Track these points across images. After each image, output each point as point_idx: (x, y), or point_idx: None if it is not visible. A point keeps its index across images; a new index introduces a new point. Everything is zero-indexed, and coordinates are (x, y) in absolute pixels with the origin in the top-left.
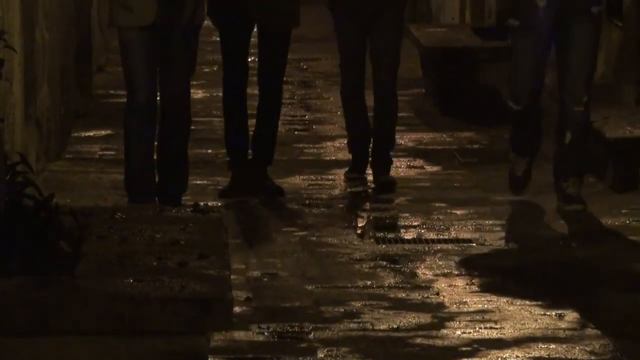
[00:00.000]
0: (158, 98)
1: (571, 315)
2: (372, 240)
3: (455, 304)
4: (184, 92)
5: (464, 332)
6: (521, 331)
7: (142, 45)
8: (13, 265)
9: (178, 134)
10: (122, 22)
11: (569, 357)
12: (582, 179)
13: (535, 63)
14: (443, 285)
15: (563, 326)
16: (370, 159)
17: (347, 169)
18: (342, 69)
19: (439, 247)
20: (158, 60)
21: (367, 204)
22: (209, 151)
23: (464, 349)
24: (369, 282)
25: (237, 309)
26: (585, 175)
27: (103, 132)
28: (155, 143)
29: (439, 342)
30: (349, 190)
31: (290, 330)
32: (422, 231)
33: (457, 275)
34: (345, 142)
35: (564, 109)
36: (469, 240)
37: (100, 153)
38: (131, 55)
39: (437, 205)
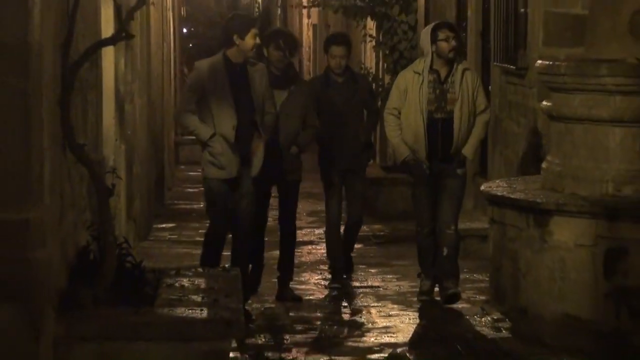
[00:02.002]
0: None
1: (436, 325)
2: (324, 287)
3: (370, 322)
4: (251, 222)
5: (375, 339)
6: (408, 337)
7: (223, 191)
8: (120, 301)
9: (243, 248)
10: (211, 175)
11: (433, 353)
12: (457, 279)
13: (429, 201)
14: (363, 312)
15: (431, 333)
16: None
17: (329, 281)
18: (327, 209)
19: (360, 290)
20: (230, 200)
21: (320, 266)
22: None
23: (375, 348)
24: (323, 311)
25: None
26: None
27: (170, 225)
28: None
29: (361, 344)
30: (332, 293)
31: (277, 338)
32: (351, 282)
33: (372, 306)
34: (312, 245)
35: (440, 232)
36: (378, 287)
37: (169, 237)
38: (214, 198)
39: (360, 266)
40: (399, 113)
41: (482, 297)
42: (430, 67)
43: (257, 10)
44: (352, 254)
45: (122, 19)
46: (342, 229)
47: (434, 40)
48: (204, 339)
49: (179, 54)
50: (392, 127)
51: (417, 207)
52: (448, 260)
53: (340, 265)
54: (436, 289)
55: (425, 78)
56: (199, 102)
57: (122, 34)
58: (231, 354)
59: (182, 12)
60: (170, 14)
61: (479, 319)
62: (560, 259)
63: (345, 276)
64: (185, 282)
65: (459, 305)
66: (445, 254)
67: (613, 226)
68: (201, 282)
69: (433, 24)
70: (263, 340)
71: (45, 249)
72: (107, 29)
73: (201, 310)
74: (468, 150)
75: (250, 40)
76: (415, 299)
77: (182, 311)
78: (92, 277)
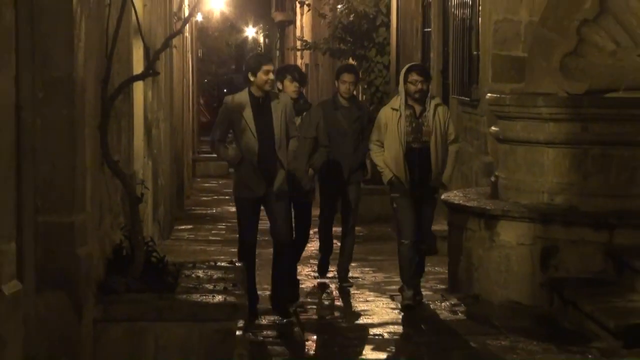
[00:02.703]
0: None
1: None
2: (314, 278)
3: (353, 307)
4: (287, 232)
5: (357, 319)
6: (382, 319)
7: (253, 208)
8: (146, 289)
9: (285, 257)
10: (241, 195)
11: (401, 331)
12: (420, 278)
13: (412, 214)
14: (347, 298)
15: (400, 315)
16: (337, 270)
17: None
18: (321, 215)
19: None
20: (258, 216)
21: (311, 261)
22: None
23: (357, 327)
24: (313, 297)
25: None
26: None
27: (189, 227)
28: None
29: (343, 324)
30: (317, 280)
31: (275, 317)
32: (336, 273)
33: (353, 293)
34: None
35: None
36: (357, 277)
37: (187, 236)
38: (244, 216)
39: None
40: (382, 144)
41: (442, 286)
42: (407, 103)
43: (260, 52)
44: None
45: (150, 59)
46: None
47: (405, 81)
48: (215, 320)
49: (196, 88)
50: (376, 153)
51: (400, 221)
52: (418, 265)
53: (328, 261)
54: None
55: (403, 113)
56: (230, 131)
57: (150, 72)
58: (237, 332)
59: (199, 54)
60: (189, 55)
61: (439, 303)
62: (506, 255)
63: (346, 282)
64: (200, 273)
65: (423, 293)
66: (416, 262)
67: (547, 229)
68: (213, 274)
69: (408, 65)
70: (264, 321)
71: (87, 246)
72: (138, 67)
73: (213, 296)
74: (445, 178)
75: (262, 76)
76: (389, 287)
77: (197, 297)
78: (125, 269)
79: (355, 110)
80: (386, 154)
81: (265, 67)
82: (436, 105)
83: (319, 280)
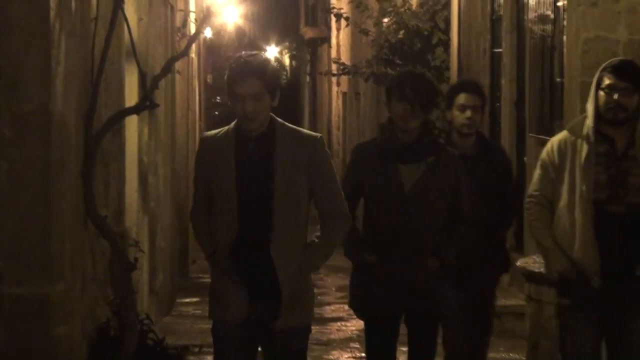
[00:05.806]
0: None
1: None
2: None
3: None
4: None
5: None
6: None
7: (232, 340)
8: None
9: None
10: (214, 316)
11: None
12: None
13: (593, 338)
14: None
15: None
16: None
17: None
18: None
19: None
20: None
21: (350, 344)
22: None
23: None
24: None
25: None
26: None
27: (194, 299)
28: None
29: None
30: None
31: None
32: None
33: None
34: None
35: None
36: None
37: (192, 312)
38: (220, 353)
39: None
40: (549, 201)
41: None
42: (597, 129)
43: (285, 78)
44: None
45: (147, 88)
46: None
47: (598, 86)
48: None
49: (204, 122)
50: (538, 219)
51: (569, 346)
52: None
53: None
54: None
55: (591, 147)
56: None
57: (147, 103)
58: None
59: (208, 80)
60: (196, 81)
61: None
62: None
63: None
64: (209, 358)
65: None
66: None
67: None
68: None
69: (606, 62)
70: None
71: (67, 325)
72: (131, 97)
73: None
74: None
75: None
76: None
77: None
78: (113, 354)
79: (486, 159)
80: (558, 221)
81: (237, 90)
82: None
83: None
